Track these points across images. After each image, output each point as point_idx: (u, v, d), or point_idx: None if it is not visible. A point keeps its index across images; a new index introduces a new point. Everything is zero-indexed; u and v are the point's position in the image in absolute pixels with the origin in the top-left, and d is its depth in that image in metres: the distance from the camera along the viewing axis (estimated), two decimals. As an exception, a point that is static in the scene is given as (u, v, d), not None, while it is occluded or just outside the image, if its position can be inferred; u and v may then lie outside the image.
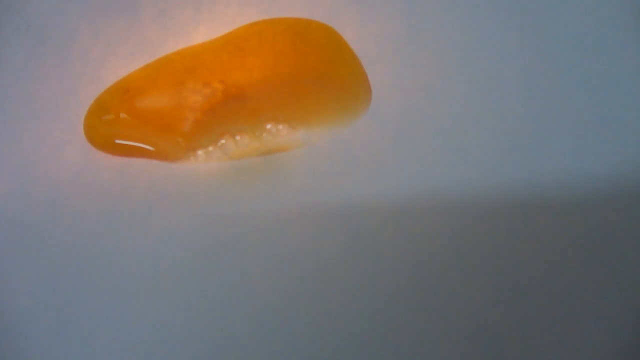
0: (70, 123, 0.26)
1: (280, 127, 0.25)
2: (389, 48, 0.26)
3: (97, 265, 0.24)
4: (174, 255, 0.24)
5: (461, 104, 0.25)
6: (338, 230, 0.23)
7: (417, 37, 0.26)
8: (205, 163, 0.25)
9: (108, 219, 0.24)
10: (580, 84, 0.25)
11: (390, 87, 0.25)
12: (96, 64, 0.27)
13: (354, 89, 0.25)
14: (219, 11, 0.27)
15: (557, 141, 0.24)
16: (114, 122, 0.26)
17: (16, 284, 0.24)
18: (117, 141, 0.26)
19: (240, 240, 0.23)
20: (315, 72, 0.26)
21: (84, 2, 0.28)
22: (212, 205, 0.24)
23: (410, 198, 0.23)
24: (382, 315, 0.22)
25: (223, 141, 0.25)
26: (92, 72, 0.27)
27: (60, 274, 0.24)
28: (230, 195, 0.24)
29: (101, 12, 0.28)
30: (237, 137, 0.25)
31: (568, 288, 0.22)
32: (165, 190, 0.24)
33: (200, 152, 0.25)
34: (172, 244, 0.24)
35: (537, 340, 0.22)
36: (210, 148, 0.25)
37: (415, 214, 0.23)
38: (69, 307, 0.24)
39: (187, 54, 0.27)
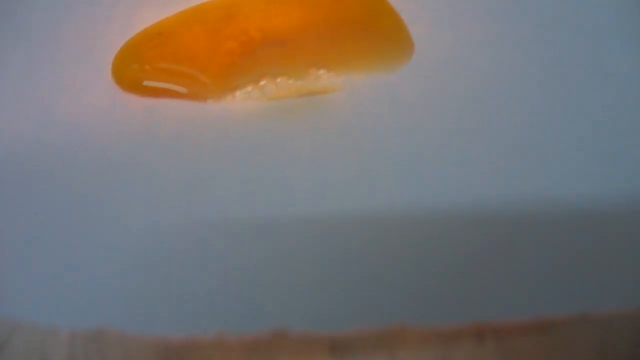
0: (97, 66, 0.25)
1: (322, 72, 0.24)
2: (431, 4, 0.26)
3: (121, 208, 0.22)
4: (206, 195, 0.22)
5: (505, 60, 0.24)
6: (378, 174, 0.22)
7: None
8: (242, 102, 0.24)
9: (136, 158, 0.23)
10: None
11: (432, 41, 0.25)
12: (127, 10, 0.26)
13: (395, 41, 0.25)
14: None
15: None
16: (143, 65, 0.25)
17: (34, 228, 0.22)
18: (146, 83, 0.25)
19: (278, 180, 0.22)
20: (354, 21, 0.25)
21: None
22: (250, 144, 0.23)
23: (448, 148, 0.22)
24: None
25: (262, 82, 0.24)
26: (123, 17, 0.26)
27: (82, 219, 0.22)
28: (270, 134, 0.23)
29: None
30: (277, 80, 0.24)
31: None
32: (198, 128, 0.23)
33: (237, 93, 0.24)
34: (205, 183, 0.22)
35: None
36: (249, 89, 0.24)
37: (449, 164, 0.22)
38: (87, 253, 0.22)
39: (224, 2, 0.26)
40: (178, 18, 0.26)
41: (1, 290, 0.21)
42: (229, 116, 0.23)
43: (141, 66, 0.25)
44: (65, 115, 0.24)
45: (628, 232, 0.21)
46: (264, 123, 0.23)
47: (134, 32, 0.26)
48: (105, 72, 0.25)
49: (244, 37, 0.25)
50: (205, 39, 0.25)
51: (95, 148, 0.23)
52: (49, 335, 0.19)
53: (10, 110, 0.24)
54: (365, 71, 0.24)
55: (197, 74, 0.24)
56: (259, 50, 0.25)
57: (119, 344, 0.19)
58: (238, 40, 0.25)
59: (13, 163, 0.23)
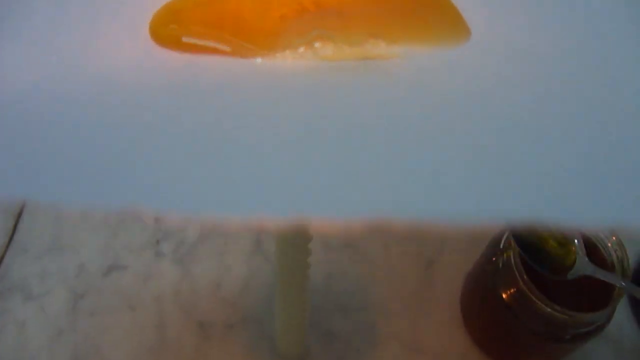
0: (133, 21, 0.23)
1: (380, 41, 0.22)
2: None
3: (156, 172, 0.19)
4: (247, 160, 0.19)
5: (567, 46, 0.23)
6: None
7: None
8: (293, 61, 0.22)
9: (171, 116, 0.20)
10: None
11: (489, 25, 0.24)
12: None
13: (449, 22, 0.24)
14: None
15: None
16: (186, 22, 0.23)
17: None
18: (187, 39, 0.23)
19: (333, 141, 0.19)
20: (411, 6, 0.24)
21: None
22: (301, 105, 0.20)
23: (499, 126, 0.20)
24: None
25: (317, 44, 0.22)
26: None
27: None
28: (323, 95, 0.20)
29: None
30: (332, 44, 0.22)
31: None
32: (244, 87, 0.21)
33: (287, 52, 0.22)
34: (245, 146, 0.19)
35: None
36: (302, 49, 0.22)
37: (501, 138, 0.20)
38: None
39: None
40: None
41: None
42: (277, 74, 0.21)
43: (182, 25, 0.23)
44: (95, 69, 0.22)
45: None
46: (315, 80, 0.21)
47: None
48: (142, 29, 0.23)
49: (297, 6, 0.24)
50: (255, 6, 0.24)
51: (128, 104, 0.21)
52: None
53: (38, 63, 0.22)
54: (424, 45, 0.23)
55: (242, 41, 0.23)
56: (313, 18, 0.23)
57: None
58: (291, 8, 0.24)
59: (39, 118, 0.20)
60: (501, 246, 0.38)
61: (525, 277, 0.35)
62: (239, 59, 0.22)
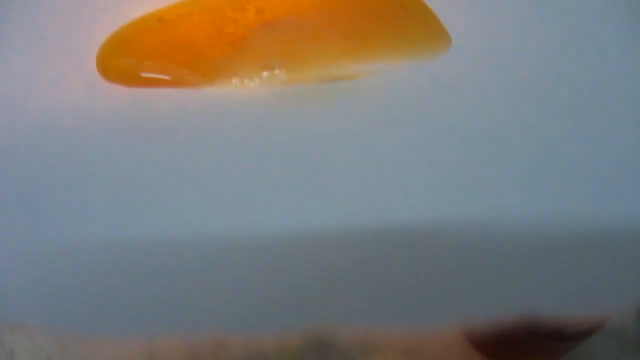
0: (80, 55, 0.22)
1: (346, 58, 0.20)
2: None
3: (106, 213, 0.17)
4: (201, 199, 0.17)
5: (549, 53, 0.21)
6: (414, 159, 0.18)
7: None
8: (253, 90, 0.20)
9: (121, 154, 0.19)
10: None
11: (467, 30, 0.22)
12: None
13: (426, 29, 0.22)
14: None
15: None
16: (135, 51, 0.21)
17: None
18: (139, 72, 0.21)
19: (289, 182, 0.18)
20: (381, 11, 0.22)
21: None
22: (256, 135, 0.18)
23: (485, 136, 0.19)
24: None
25: (276, 71, 0.20)
26: (114, 6, 0.23)
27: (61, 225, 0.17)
28: (286, 121, 0.19)
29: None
30: (292, 65, 0.20)
31: None
32: (194, 118, 0.19)
33: (242, 81, 0.20)
34: (200, 185, 0.18)
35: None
36: (262, 74, 0.20)
37: (487, 150, 0.18)
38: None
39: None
40: (179, 5, 0.23)
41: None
42: (232, 102, 0.19)
43: (132, 59, 0.21)
44: (41, 106, 0.20)
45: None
46: (274, 110, 0.19)
47: (123, 20, 0.23)
48: (87, 60, 0.21)
49: (250, 18, 0.22)
50: (207, 26, 0.22)
51: (74, 143, 0.19)
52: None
53: None
54: (400, 57, 0.21)
55: (195, 71, 0.21)
56: (268, 33, 0.21)
57: None
58: (241, 24, 0.21)
59: None
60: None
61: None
62: (191, 90, 0.20)
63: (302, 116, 0.19)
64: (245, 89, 0.19)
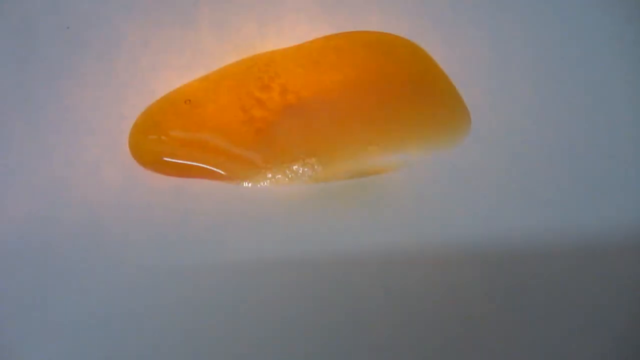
0: (113, 138, 0.22)
1: (372, 148, 0.21)
2: (482, 67, 0.23)
3: (150, 309, 0.19)
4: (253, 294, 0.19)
5: (566, 125, 0.22)
6: (444, 269, 0.19)
7: (509, 55, 0.24)
8: (285, 185, 0.21)
9: (163, 247, 0.20)
10: None
11: (489, 109, 0.22)
12: (145, 74, 0.23)
13: (450, 110, 0.22)
14: (287, 26, 0.25)
15: None
16: (167, 137, 0.22)
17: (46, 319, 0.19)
18: (171, 160, 0.22)
19: (335, 274, 0.19)
20: (403, 91, 0.23)
21: (132, 6, 0.25)
22: (298, 235, 0.20)
23: (514, 231, 0.20)
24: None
25: (305, 163, 0.21)
26: (140, 82, 0.23)
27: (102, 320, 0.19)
28: (321, 221, 0.20)
29: (152, 18, 0.24)
30: (322, 158, 0.21)
31: None
32: (236, 215, 0.20)
33: (278, 175, 0.21)
34: (248, 279, 0.19)
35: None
36: (295, 167, 0.21)
37: (514, 247, 0.20)
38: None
39: (256, 67, 0.23)
40: (203, 83, 0.23)
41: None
42: (271, 200, 0.20)
43: (163, 141, 0.22)
44: (78, 196, 0.21)
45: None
46: (309, 209, 0.20)
47: (153, 99, 0.23)
48: (122, 144, 0.22)
49: (275, 100, 0.22)
50: (238, 110, 0.22)
51: (112, 232, 0.20)
52: None
53: (23, 189, 0.21)
54: (420, 146, 0.21)
55: (228, 148, 0.21)
56: (294, 116, 0.22)
57: None
58: (269, 105, 0.22)
59: (26, 246, 0.20)
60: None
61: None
62: (223, 182, 0.21)
63: (332, 218, 0.20)
64: (276, 184, 0.20)
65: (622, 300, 0.19)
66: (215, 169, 0.21)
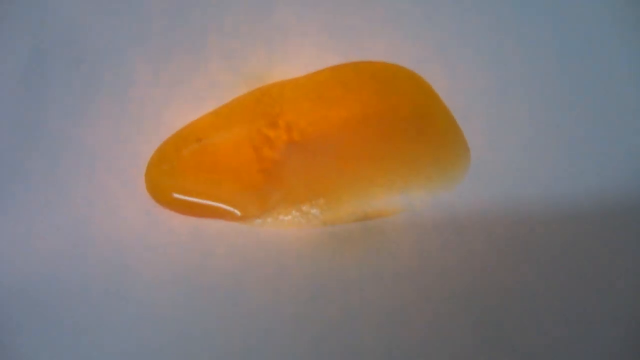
0: (130, 175, 0.23)
1: (375, 188, 0.22)
2: (483, 100, 0.24)
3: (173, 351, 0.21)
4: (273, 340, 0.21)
5: (567, 161, 0.23)
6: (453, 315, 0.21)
7: (513, 88, 0.24)
8: (294, 228, 0.22)
9: (181, 289, 0.21)
10: None
11: (489, 144, 0.23)
12: (158, 108, 0.24)
13: (450, 146, 0.23)
14: (295, 53, 0.25)
15: None
16: (181, 176, 0.23)
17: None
18: (186, 198, 0.23)
19: (345, 324, 0.20)
20: (405, 127, 0.24)
21: (143, 38, 0.25)
22: (309, 280, 0.21)
23: (520, 273, 0.21)
24: None
25: (312, 206, 0.22)
26: (153, 117, 0.24)
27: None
28: (330, 267, 0.21)
29: (163, 50, 0.25)
30: (327, 200, 0.22)
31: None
32: (252, 258, 0.22)
33: (287, 217, 0.22)
34: (266, 325, 0.21)
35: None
36: (303, 208, 0.22)
37: (526, 290, 0.21)
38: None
39: (264, 102, 0.24)
40: (215, 119, 0.24)
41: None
42: (283, 244, 0.22)
43: (178, 179, 0.23)
44: (98, 235, 0.22)
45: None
46: (322, 255, 0.21)
47: (167, 133, 0.24)
48: (139, 182, 0.23)
49: (282, 137, 0.23)
50: (248, 148, 0.23)
51: (132, 272, 0.22)
52: None
53: (43, 228, 0.23)
54: (423, 187, 0.22)
55: (239, 188, 0.23)
56: (299, 153, 0.23)
57: None
58: (276, 143, 0.23)
59: (47, 284, 0.22)
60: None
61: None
62: (240, 223, 0.22)
63: (339, 262, 0.21)
64: (284, 226, 0.22)
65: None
66: (228, 208, 0.23)
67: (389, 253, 0.21)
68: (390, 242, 0.21)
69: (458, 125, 0.23)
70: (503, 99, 0.24)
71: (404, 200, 0.22)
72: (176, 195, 0.23)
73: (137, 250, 0.22)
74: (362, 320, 0.20)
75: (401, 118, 0.24)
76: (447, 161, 0.23)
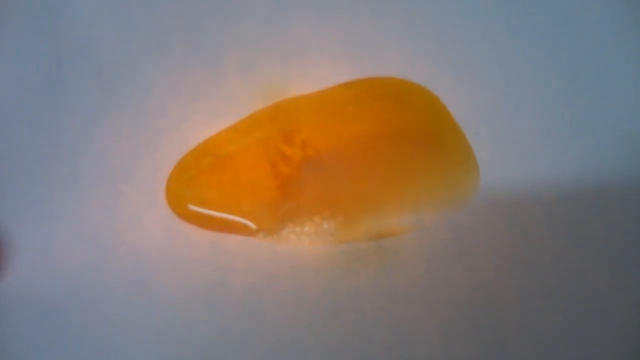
0: (151, 187, 0.24)
1: (388, 207, 0.23)
2: (493, 117, 0.25)
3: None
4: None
5: (575, 182, 0.24)
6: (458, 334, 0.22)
7: (523, 105, 0.25)
8: (310, 245, 0.23)
9: (200, 304, 0.23)
10: None
11: (499, 162, 0.24)
12: (177, 121, 0.25)
13: (460, 165, 0.24)
14: (310, 66, 0.25)
15: None
16: (200, 189, 0.24)
17: None
18: (206, 211, 0.24)
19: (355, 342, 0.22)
20: (417, 145, 0.24)
21: (161, 51, 0.25)
22: (324, 297, 0.22)
23: (527, 290, 0.22)
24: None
25: (327, 223, 0.23)
26: (172, 130, 0.25)
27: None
28: (345, 284, 0.22)
29: (181, 63, 0.25)
30: (341, 217, 0.23)
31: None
32: (269, 275, 0.23)
33: (305, 230, 0.23)
34: (282, 342, 0.22)
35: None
36: (318, 224, 0.23)
37: (530, 307, 0.22)
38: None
39: (279, 118, 0.25)
40: (233, 135, 0.25)
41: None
42: (299, 260, 0.23)
43: (198, 193, 0.24)
44: (121, 246, 0.23)
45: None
46: (336, 273, 0.23)
47: (185, 146, 0.25)
48: (160, 194, 0.24)
49: (298, 153, 0.24)
50: (263, 164, 0.24)
51: (156, 288, 0.23)
52: None
53: (64, 240, 0.23)
54: (434, 206, 0.23)
55: (257, 203, 0.24)
56: (313, 168, 0.24)
57: None
58: (293, 159, 0.24)
59: (70, 299, 0.23)
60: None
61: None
62: (259, 240, 0.23)
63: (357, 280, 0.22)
64: (298, 243, 0.23)
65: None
66: (244, 222, 0.23)
67: (401, 272, 0.22)
68: (402, 261, 0.22)
69: (469, 143, 0.24)
70: (514, 116, 0.24)
71: (415, 219, 0.23)
72: (194, 208, 0.24)
73: (158, 263, 0.23)
74: (375, 336, 0.22)
75: (412, 135, 0.24)
76: (457, 180, 0.24)
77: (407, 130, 0.25)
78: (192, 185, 0.24)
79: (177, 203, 0.24)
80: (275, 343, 0.22)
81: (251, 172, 0.24)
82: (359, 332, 0.22)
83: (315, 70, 0.25)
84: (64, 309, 0.23)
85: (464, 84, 0.25)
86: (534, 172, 0.24)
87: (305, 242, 0.23)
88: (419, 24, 0.26)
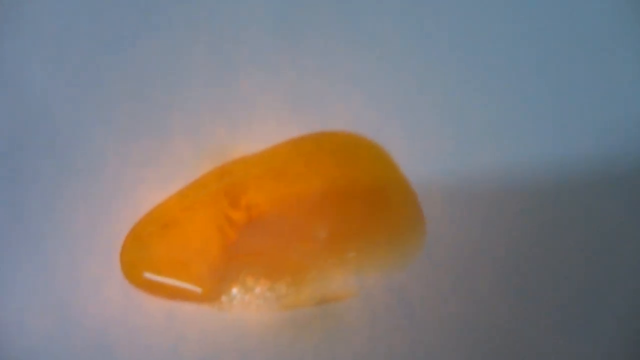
0: (108, 256, 0.25)
1: (333, 269, 0.23)
2: (442, 170, 0.24)
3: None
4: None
5: (528, 239, 0.23)
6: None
7: (476, 159, 0.24)
8: (256, 312, 0.23)
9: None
10: None
11: (446, 219, 0.23)
12: (129, 189, 0.25)
13: (405, 223, 0.24)
14: (257, 127, 0.26)
15: None
16: (152, 258, 0.25)
17: None
18: (157, 278, 0.24)
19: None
20: (362, 200, 0.24)
21: (110, 121, 0.26)
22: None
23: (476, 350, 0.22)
24: None
25: (271, 289, 0.23)
26: (125, 198, 0.25)
27: None
28: (287, 353, 0.23)
29: (130, 132, 0.26)
30: (286, 282, 0.23)
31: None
32: (216, 344, 0.23)
33: (251, 295, 0.23)
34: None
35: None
36: (263, 290, 0.23)
37: None
38: None
39: (226, 181, 0.25)
40: (181, 202, 0.25)
41: None
42: (248, 328, 0.23)
43: (151, 263, 0.25)
44: (80, 316, 0.24)
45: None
46: (284, 341, 0.23)
47: (138, 214, 0.25)
48: (115, 264, 0.25)
49: (243, 217, 0.24)
50: (210, 229, 0.24)
51: (113, 355, 0.24)
52: None
53: (28, 310, 0.24)
54: (378, 268, 0.23)
55: (206, 269, 0.24)
56: (256, 230, 0.24)
57: None
58: (238, 223, 0.24)
59: None
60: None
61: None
62: (210, 307, 0.24)
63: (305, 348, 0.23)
64: (240, 308, 0.23)
65: None
66: (194, 289, 0.24)
67: (344, 339, 0.22)
68: (345, 328, 0.22)
69: (416, 199, 0.24)
70: (465, 171, 0.24)
71: (358, 281, 0.23)
72: (147, 276, 0.24)
73: (118, 333, 0.24)
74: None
75: (359, 193, 0.24)
76: (401, 240, 0.24)
77: (353, 187, 0.24)
78: (143, 254, 0.25)
79: (131, 272, 0.25)
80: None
81: (199, 237, 0.24)
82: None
83: (262, 128, 0.25)
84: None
85: (414, 136, 0.25)
86: (484, 227, 0.23)
87: (251, 309, 0.23)
88: (370, 76, 0.25)
